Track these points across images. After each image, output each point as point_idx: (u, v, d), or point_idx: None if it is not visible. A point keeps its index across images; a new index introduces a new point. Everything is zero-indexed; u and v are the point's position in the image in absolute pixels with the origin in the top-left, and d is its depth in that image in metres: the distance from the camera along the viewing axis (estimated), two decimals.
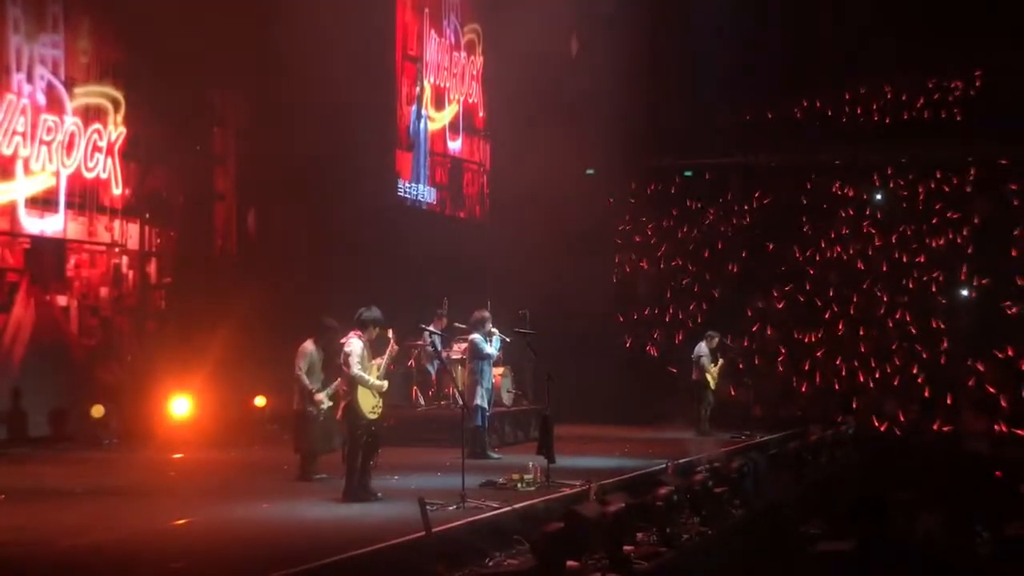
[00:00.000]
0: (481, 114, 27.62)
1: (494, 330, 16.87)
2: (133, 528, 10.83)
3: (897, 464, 19.37)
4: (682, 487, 11.47)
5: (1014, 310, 26.60)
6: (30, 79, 17.62)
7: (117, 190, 19.08)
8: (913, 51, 27.63)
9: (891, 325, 27.53)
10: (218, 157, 21.36)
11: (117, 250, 19.26)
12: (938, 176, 28.97)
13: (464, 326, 17.80)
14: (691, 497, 11.63)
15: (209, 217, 21.16)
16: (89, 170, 18.53)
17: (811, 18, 27.77)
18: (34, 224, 17.80)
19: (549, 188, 24.98)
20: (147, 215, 19.80)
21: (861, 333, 27.58)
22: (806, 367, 27.61)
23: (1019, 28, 26.37)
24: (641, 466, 15.56)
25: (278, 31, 18.99)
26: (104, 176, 18.82)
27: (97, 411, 18.02)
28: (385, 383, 12.67)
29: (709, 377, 21.22)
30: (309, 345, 14.30)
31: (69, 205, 18.24)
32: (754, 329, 28.25)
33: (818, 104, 29.84)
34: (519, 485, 13.25)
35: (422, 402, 19.16)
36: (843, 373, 27.31)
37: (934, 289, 27.77)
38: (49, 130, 17.87)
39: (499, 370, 18.63)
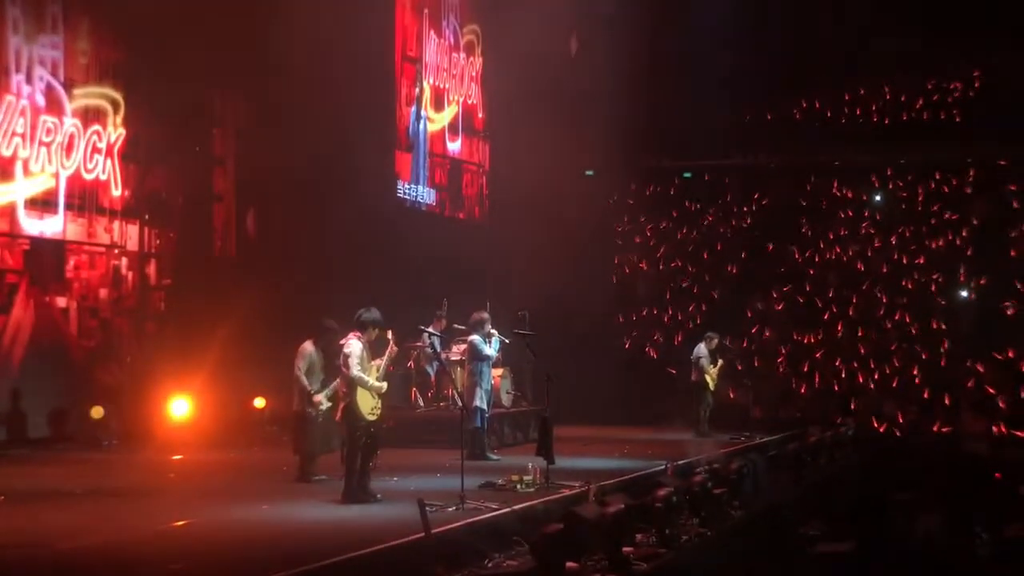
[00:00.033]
0: (480, 115, 27.62)
1: (493, 331, 16.86)
2: (133, 529, 10.83)
3: (896, 465, 19.35)
4: (681, 488, 11.47)
5: (1011, 312, 26.59)
6: (29, 80, 17.62)
7: (116, 191, 19.07)
8: (913, 51, 27.64)
9: (889, 327, 27.53)
10: (217, 158, 21.35)
11: (116, 251, 19.25)
12: (937, 177, 28.98)
13: (463, 327, 17.79)
14: (690, 498, 11.63)
15: (208, 218, 21.16)
16: (88, 171, 18.52)
17: (811, 18, 27.78)
18: (33, 225, 17.79)
19: (548, 189, 24.99)
20: (146, 216, 19.80)
21: (860, 334, 27.58)
22: (805, 368, 27.61)
23: (1019, 28, 26.37)
24: (640, 467, 15.56)
25: (278, 32, 18.97)
26: (103, 177, 18.81)
27: (96, 412, 18.01)
28: (384, 384, 12.68)
29: (708, 378, 21.21)
30: (308, 346, 14.30)
31: (68, 206, 18.24)
32: (753, 330, 28.25)
33: (817, 105, 29.85)
34: (518, 486, 13.24)
35: (421, 403, 19.15)
36: (842, 374, 27.31)
37: (933, 289, 27.78)
38: (48, 131, 17.86)
39: (498, 371, 18.61)
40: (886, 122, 29.50)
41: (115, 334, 19.33)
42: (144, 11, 18.09)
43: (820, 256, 29.02)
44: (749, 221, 29.89)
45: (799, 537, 10.85)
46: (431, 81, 25.42)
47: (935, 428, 25.57)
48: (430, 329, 16.62)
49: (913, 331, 27.29)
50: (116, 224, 19.16)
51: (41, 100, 17.79)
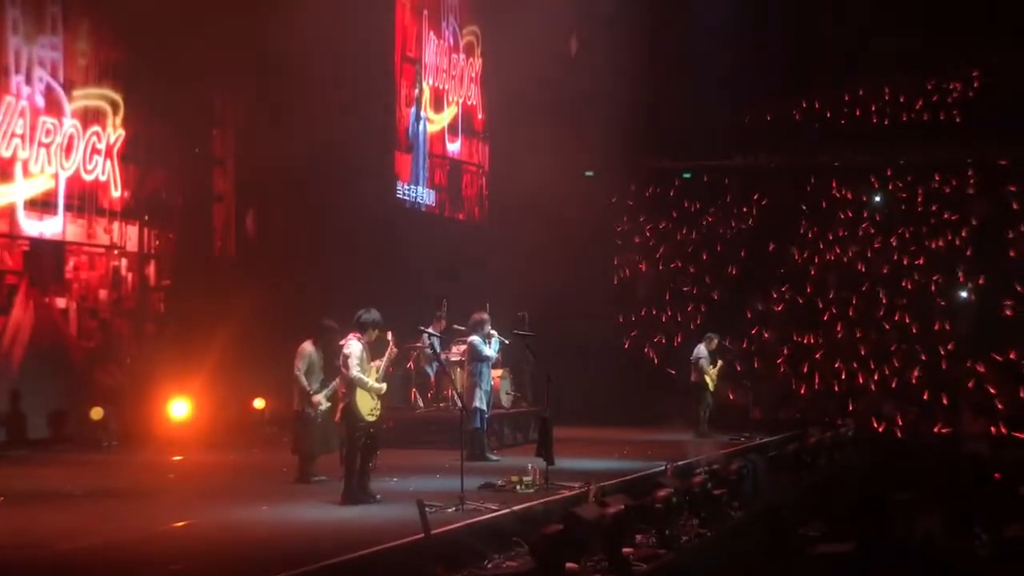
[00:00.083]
0: (480, 116, 27.63)
1: (493, 332, 16.85)
2: (132, 530, 10.82)
3: (896, 466, 19.35)
4: (681, 489, 11.46)
5: (1010, 313, 26.59)
6: (29, 81, 17.62)
7: (116, 192, 19.07)
8: (913, 51, 27.63)
9: (888, 328, 27.52)
10: (217, 158, 21.36)
11: (116, 252, 19.25)
12: (937, 178, 28.97)
13: (463, 328, 17.78)
14: (690, 499, 11.63)
15: (208, 219, 21.16)
16: (88, 172, 18.52)
17: (811, 18, 27.76)
18: (33, 226, 17.79)
19: (548, 190, 24.96)
20: (146, 217, 19.79)
21: (858, 335, 27.57)
22: (805, 369, 27.61)
23: (1019, 28, 26.36)
24: (640, 468, 15.56)
25: (278, 32, 18.97)
26: (103, 178, 18.81)
27: (96, 413, 18.01)
28: (384, 385, 12.68)
29: (708, 379, 21.22)
30: (308, 346, 14.29)
31: (68, 207, 18.24)
32: (753, 331, 28.25)
33: (817, 105, 29.81)
34: (518, 487, 13.24)
35: (421, 404, 19.14)
36: (842, 375, 27.32)
37: (933, 289, 27.77)
38: (48, 132, 17.86)
39: (498, 372, 18.60)
40: (886, 123, 29.47)
41: (115, 335, 19.32)
42: (144, 11, 18.09)
43: (820, 257, 29.01)
44: (749, 222, 29.87)
45: (799, 538, 10.83)
46: (431, 82, 25.43)
47: (935, 429, 25.58)
48: (430, 330, 16.63)
49: (914, 330, 27.29)
50: (116, 225, 19.16)
51: (41, 101, 17.79)
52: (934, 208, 28.70)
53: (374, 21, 23.14)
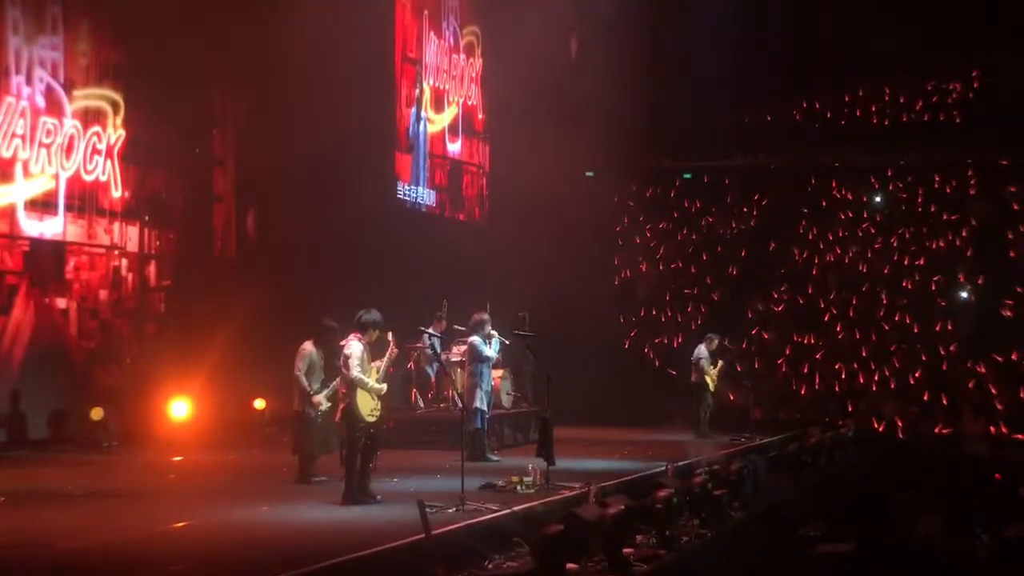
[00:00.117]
0: (480, 116, 27.63)
1: (493, 332, 16.85)
2: (132, 530, 10.82)
3: (897, 466, 19.35)
4: (681, 489, 11.46)
5: (1010, 313, 26.59)
6: (29, 81, 17.62)
7: (116, 192, 19.08)
8: (913, 52, 27.62)
9: (888, 328, 27.52)
10: (217, 159, 21.36)
11: (116, 252, 19.25)
12: (937, 178, 28.97)
13: (463, 328, 17.78)
14: (690, 499, 11.62)
15: (208, 219, 21.17)
16: (88, 173, 18.52)
17: (811, 18, 27.75)
18: (33, 227, 17.79)
19: (548, 190, 24.98)
20: (146, 217, 19.80)
21: (857, 336, 27.57)
22: (805, 370, 27.61)
23: (1019, 28, 26.36)
24: (640, 468, 15.55)
25: (278, 32, 18.98)
26: (103, 179, 18.81)
27: (96, 413, 18.01)
28: (384, 386, 12.68)
29: (708, 379, 21.22)
30: (309, 346, 14.28)
31: (68, 208, 18.24)
32: (753, 331, 28.26)
33: (817, 106, 29.82)
34: (518, 487, 13.24)
35: (421, 404, 19.15)
36: (843, 376, 27.32)
37: (933, 289, 27.77)
38: (48, 133, 17.86)
39: (499, 372, 18.61)
40: (886, 123, 29.47)
41: (115, 335, 19.33)
42: (144, 12, 18.11)
43: (820, 257, 29.02)
44: (749, 222, 29.87)
45: (799, 538, 10.83)
46: (431, 82, 25.43)
47: (935, 429, 25.58)
48: (430, 330, 16.63)
49: (916, 330, 27.29)
50: (116, 225, 19.17)
51: (41, 101, 17.79)
52: (934, 209, 28.70)
53: (374, 21, 23.15)
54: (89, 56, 18.68)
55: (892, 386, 26.84)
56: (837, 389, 27.21)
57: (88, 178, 18.52)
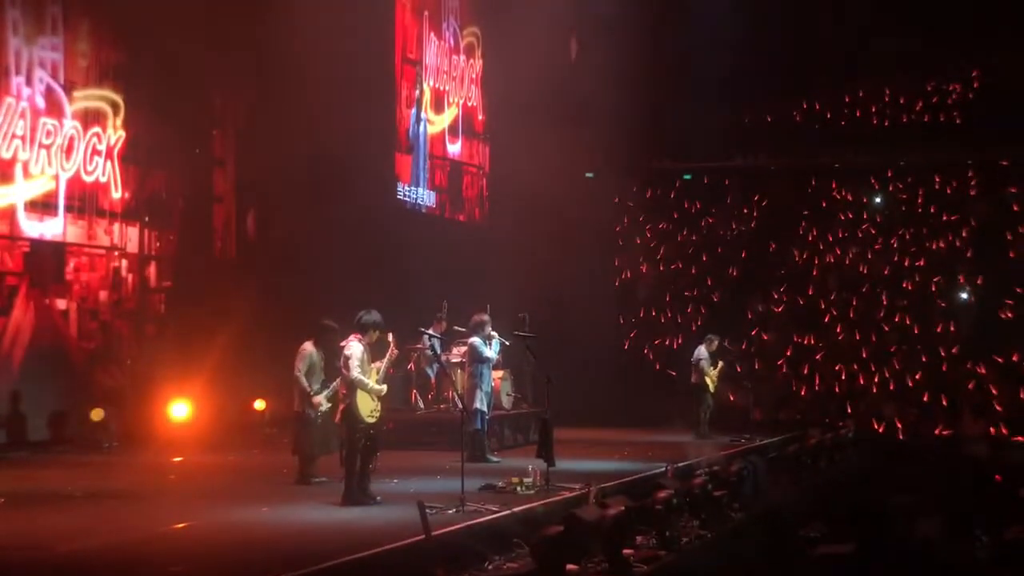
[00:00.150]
0: (480, 117, 27.63)
1: (493, 333, 16.84)
2: (133, 531, 10.83)
3: (897, 467, 19.35)
4: (681, 490, 11.46)
5: (1010, 314, 26.59)
6: (29, 82, 17.63)
7: (116, 193, 19.08)
8: (913, 52, 27.62)
9: (888, 329, 27.52)
10: (217, 159, 21.37)
11: (116, 253, 19.26)
12: (937, 179, 28.97)
13: (463, 329, 17.78)
14: (690, 500, 11.62)
15: (208, 220, 21.17)
16: (88, 173, 18.53)
17: (811, 18, 27.76)
18: (33, 227, 17.80)
19: (549, 191, 24.97)
20: (146, 218, 19.81)
21: (858, 337, 27.57)
22: (805, 371, 27.61)
23: (1019, 28, 26.36)
24: (640, 469, 15.55)
25: (277, 33, 18.98)
26: (103, 179, 18.82)
27: (96, 415, 18.01)
28: (384, 387, 12.68)
29: (708, 380, 21.21)
30: (309, 347, 14.28)
31: (68, 208, 18.25)
32: (753, 332, 28.26)
33: (817, 106, 29.83)
34: (518, 488, 13.23)
35: (421, 405, 19.15)
36: (843, 377, 27.32)
37: (933, 290, 27.77)
38: (48, 133, 17.87)
39: (499, 373, 18.60)
40: (886, 124, 29.48)
41: (115, 336, 19.33)
42: (144, 12, 18.11)
43: (820, 258, 29.02)
44: (749, 223, 29.86)
45: (799, 539, 10.83)
46: (431, 83, 25.43)
47: (935, 430, 25.58)
48: (430, 331, 16.62)
49: (916, 331, 27.29)
50: (116, 226, 19.17)
51: (41, 102, 17.80)
52: (934, 209, 28.70)
53: (374, 22, 23.15)
54: (89, 57, 18.68)
55: (892, 387, 26.85)
56: (837, 390, 27.21)
57: (88, 179, 18.53)
